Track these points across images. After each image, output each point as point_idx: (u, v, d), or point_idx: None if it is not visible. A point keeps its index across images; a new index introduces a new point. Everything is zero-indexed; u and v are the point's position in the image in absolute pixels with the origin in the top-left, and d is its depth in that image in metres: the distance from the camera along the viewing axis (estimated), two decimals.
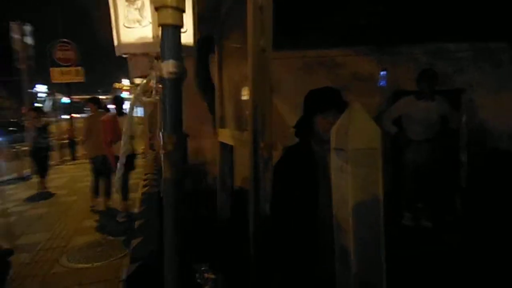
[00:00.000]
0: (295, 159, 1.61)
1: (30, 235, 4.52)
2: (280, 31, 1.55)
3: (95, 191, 5.41)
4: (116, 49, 1.18)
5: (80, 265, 3.57)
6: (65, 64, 11.58)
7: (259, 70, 1.45)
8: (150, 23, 1.11)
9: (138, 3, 1.16)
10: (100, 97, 8.74)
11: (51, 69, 11.56)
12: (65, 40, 11.76)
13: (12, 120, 19.74)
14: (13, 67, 11.36)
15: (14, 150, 9.56)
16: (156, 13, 0.88)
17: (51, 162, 7.69)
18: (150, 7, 1.12)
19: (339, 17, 2.95)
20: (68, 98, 13.40)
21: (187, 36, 1.22)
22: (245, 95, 1.79)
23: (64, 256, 3.80)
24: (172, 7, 0.88)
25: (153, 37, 1.17)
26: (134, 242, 3.08)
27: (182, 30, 1.21)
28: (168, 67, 0.87)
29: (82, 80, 11.83)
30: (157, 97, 1.25)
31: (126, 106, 5.03)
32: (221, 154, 2.51)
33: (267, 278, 1.43)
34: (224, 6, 2.23)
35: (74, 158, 11.67)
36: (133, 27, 1.16)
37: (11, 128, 16.71)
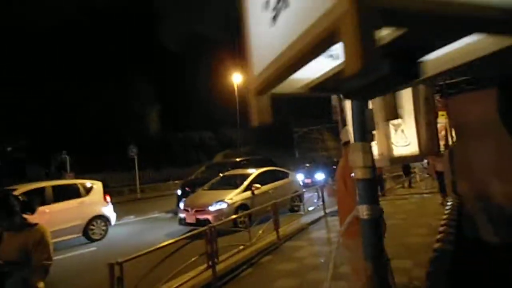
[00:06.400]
0: None
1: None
2: None
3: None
4: None
5: None
6: None
7: None
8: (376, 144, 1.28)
9: None
10: None
11: None
12: None
13: (335, 159, 23.57)
14: (331, 117, 13.91)
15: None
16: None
17: None
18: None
19: None
20: None
21: (411, 148, 1.30)
22: None
23: None
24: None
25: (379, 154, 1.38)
26: None
27: (405, 143, 1.30)
28: (363, 210, 1.06)
29: None
30: None
31: None
32: None
33: None
34: None
35: (383, 194, 12.38)
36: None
37: (335, 167, 20.03)
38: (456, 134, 6.05)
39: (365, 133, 1.01)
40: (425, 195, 12.29)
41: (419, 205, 10.62)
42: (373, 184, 1.04)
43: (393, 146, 1.31)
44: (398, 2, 0.48)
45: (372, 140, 1.06)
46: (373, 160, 1.03)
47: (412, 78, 0.68)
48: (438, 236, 2.87)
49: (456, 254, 2.42)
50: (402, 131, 1.34)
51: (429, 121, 1.40)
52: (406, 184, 15.02)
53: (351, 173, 2.75)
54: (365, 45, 0.45)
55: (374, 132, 1.08)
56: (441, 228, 3.15)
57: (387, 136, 1.28)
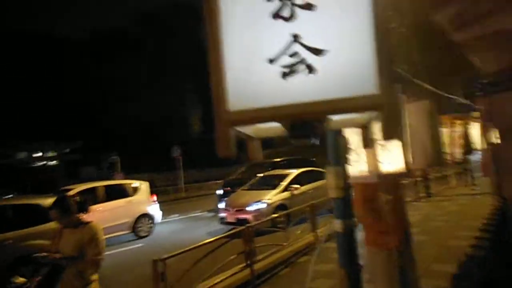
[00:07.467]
0: None
1: None
2: None
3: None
4: None
5: None
6: None
7: None
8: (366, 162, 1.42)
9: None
10: None
11: None
12: None
13: None
14: None
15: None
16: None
17: (407, 199, 8.33)
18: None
19: None
20: None
21: (396, 165, 1.53)
22: None
23: None
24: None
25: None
26: None
27: (390, 162, 1.45)
28: (338, 224, 1.36)
29: None
30: None
31: None
32: None
33: None
34: None
35: (428, 195, 11.88)
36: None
37: None
38: (501, 134, 5.65)
39: (339, 158, 1.13)
40: (477, 196, 11.61)
41: (467, 207, 10.07)
42: (346, 202, 1.14)
43: (380, 164, 1.42)
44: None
45: (346, 163, 1.16)
46: (345, 182, 1.15)
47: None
48: (472, 242, 2.75)
49: (490, 260, 2.33)
50: (388, 150, 1.45)
51: (433, 135, 1.45)
52: (454, 184, 14.24)
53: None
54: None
55: (349, 156, 1.19)
56: (477, 234, 3.02)
57: (375, 155, 1.39)
